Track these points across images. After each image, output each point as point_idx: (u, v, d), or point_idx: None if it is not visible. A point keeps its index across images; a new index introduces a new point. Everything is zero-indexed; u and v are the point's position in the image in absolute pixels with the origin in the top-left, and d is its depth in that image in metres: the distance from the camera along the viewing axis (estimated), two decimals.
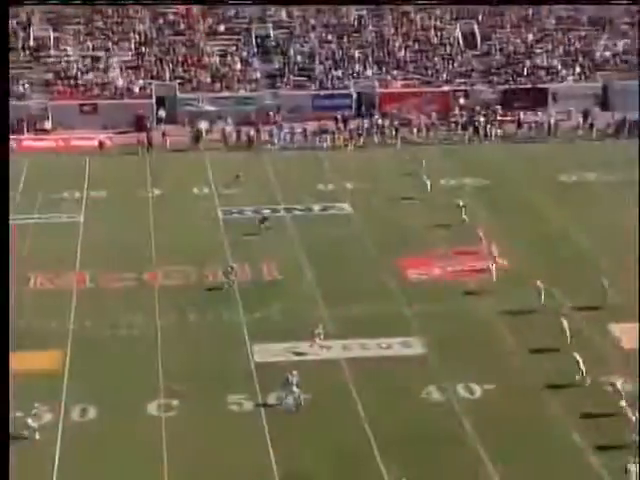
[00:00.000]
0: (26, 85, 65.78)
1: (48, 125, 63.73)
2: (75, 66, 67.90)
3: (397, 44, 72.02)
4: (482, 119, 64.50)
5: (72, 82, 66.88)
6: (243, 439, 29.70)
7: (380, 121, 64.10)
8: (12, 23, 70.38)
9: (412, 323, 37.08)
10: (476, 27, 74.03)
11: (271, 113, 65.02)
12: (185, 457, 28.66)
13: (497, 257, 41.74)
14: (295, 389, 31.22)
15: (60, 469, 28.12)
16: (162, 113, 65.17)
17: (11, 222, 46.30)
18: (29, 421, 29.44)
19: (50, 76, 67.24)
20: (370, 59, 70.68)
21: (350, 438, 29.74)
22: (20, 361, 33.59)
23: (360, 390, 32.27)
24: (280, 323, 36.80)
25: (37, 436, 29.37)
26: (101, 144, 60.13)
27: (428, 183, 51.57)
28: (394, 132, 62.54)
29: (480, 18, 74.91)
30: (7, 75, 39.62)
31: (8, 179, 27.50)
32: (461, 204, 47.53)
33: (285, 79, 68.35)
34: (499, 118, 65.31)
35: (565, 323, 34.82)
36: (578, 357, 32.22)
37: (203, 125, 62.49)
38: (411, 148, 60.78)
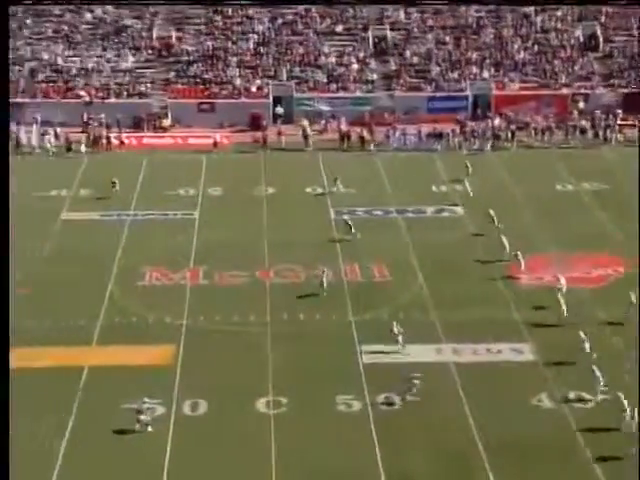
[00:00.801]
0: (148, 84, 67.28)
1: (167, 123, 64.99)
2: (195, 65, 69.13)
3: (516, 46, 71.13)
4: (602, 123, 63.20)
5: (191, 81, 68.10)
6: (350, 439, 29.77)
7: (496, 124, 63.40)
8: (137, 24, 72.22)
9: (523, 329, 36.58)
10: (598, 29, 72.54)
11: (386, 114, 64.99)
12: (292, 455, 28.86)
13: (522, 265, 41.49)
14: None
15: (171, 462, 28.59)
16: (278, 112, 65.80)
17: (129, 218, 48.45)
18: (141, 415, 29.99)
19: (171, 75, 68.59)
20: (487, 61, 70.00)
21: (458, 441, 29.56)
22: (133, 355, 34.47)
23: (469, 394, 32.01)
24: (389, 325, 36.66)
25: (149, 429, 29.95)
26: (215, 143, 60.99)
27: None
28: (510, 135, 61.78)
29: (603, 20, 73.36)
30: (7, 74, 39.38)
31: (8, 177, 27.68)
32: (492, 213, 46.68)
33: (401, 80, 68.20)
34: (620, 122, 63.80)
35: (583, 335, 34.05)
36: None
37: (305, 122, 62.77)
38: (527, 151, 59.99)
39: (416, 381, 31.62)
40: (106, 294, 39.52)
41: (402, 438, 29.79)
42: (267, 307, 38.41)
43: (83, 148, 59.83)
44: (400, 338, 34.81)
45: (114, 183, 51.33)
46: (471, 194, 51.29)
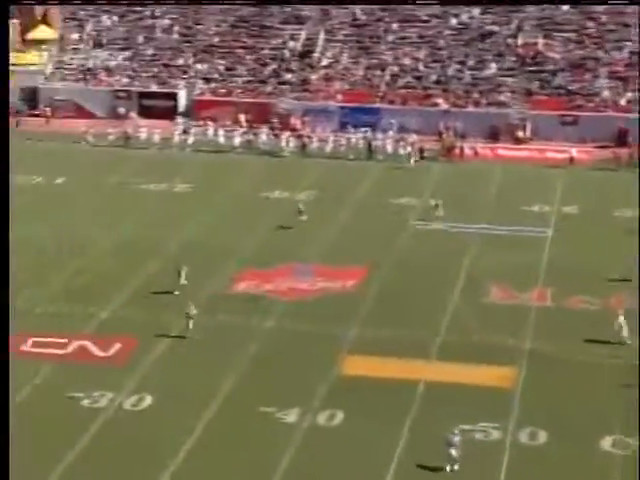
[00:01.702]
0: (508, 93, 65.91)
1: (525, 135, 63.34)
2: (560, 75, 66.79)
3: None
4: None
5: (555, 92, 65.91)
6: None
7: None
8: (503, 30, 70.73)
9: None
10: None
11: None
12: None
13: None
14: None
15: None
16: None
17: (479, 231, 47.16)
18: (452, 448, 27.82)
19: (534, 85, 66.74)
20: None
21: None
22: (472, 374, 33.11)
23: None
24: None
25: (455, 467, 27.86)
26: (572, 158, 58.81)
27: None
28: None
29: None
30: (7, 74, 39.52)
31: (8, 177, 27.12)
32: None
33: None
34: None
35: None
36: None
37: None
38: None
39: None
40: (448, 308, 38.49)
41: None
42: (617, 338, 35.37)
43: (436, 157, 59.57)
44: None
45: (437, 205, 49.07)
46: None
